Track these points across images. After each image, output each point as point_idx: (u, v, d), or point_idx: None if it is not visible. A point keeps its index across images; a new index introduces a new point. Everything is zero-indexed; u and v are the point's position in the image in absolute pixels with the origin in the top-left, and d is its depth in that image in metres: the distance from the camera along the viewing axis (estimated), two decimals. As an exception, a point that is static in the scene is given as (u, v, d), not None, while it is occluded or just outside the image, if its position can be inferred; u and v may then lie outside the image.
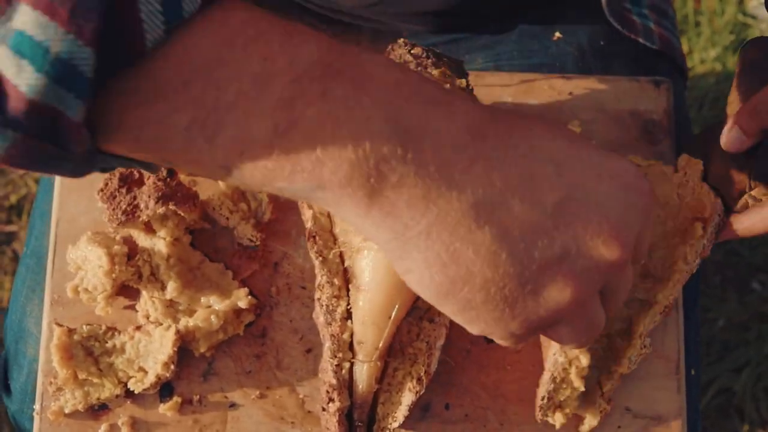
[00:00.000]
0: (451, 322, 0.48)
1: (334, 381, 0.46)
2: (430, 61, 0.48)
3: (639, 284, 0.50)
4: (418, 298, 0.48)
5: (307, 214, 0.48)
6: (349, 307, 0.47)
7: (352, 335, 0.47)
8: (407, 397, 0.46)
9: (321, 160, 0.28)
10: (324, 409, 0.46)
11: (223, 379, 0.51)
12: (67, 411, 0.49)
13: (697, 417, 0.59)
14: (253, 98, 0.27)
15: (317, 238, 0.47)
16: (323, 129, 0.28)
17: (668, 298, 0.49)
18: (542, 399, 0.48)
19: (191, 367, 0.51)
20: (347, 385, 0.46)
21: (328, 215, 0.48)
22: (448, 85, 0.47)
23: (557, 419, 0.48)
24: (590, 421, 0.49)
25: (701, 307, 1.08)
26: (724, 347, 1.07)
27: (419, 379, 0.46)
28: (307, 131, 0.27)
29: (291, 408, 0.50)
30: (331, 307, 0.46)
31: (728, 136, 0.48)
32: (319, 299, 0.47)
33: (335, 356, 0.46)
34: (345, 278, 0.47)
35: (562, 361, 0.47)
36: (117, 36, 0.25)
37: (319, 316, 0.47)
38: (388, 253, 0.30)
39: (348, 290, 0.47)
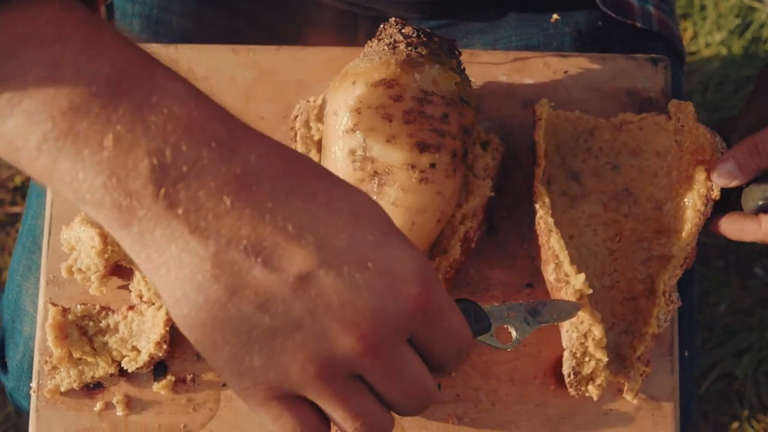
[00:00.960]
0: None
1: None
2: (420, 41, 0.47)
3: (654, 241, 0.49)
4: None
5: None
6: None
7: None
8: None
9: (79, 178, 0.28)
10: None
11: (216, 359, 0.51)
12: (62, 389, 0.49)
13: (691, 399, 0.58)
14: (32, 99, 0.27)
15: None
16: (87, 147, 0.28)
17: (685, 249, 0.48)
18: (569, 377, 0.47)
19: (185, 346, 0.51)
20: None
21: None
22: (438, 65, 0.46)
23: (591, 392, 0.47)
24: (631, 385, 0.48)
25: (703, 291, 1.07)
26: (726, 332, 1.06)
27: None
28: (73, 146, 0.27)
29: (283, 387, 0.50)
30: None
31: (722, 169, 0.46)
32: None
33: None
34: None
35: (576, 336, 0.46)
36: None
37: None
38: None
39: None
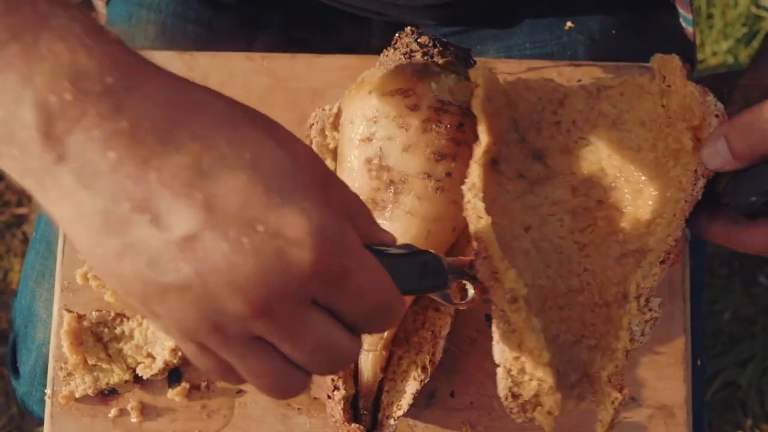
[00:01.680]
0: (457, 312, 0.48)
1: (339, 368, 0.45)
2: (436, 50, 0.47)
3: (631, 232, 0.40)
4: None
5: None
6: (355, 295, 0.47)
7: (357, 323, 0.46)
8: (412, 386, 0.46)
9: None
10: (329, 397, 0.46)
11: (230, 366, 0.51)
12: (77, 396, 0.49)
13: (703, 407, 0.59)
14: None
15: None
16: None
17: (665, 241, 0.38)
18: (506, 399, 0.38)
19: (199, 353, 0.51)
20: (352, 373, 0.46)
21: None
22: (453, 75, 0.46)
23: (540, 420, 0.38)
24: (603, 416, 0.38)
25: (707, 300, 1.07)
26: (730, 340, 1.06)
27: (424, 368, 0.46)
28: None
29: (297, 395, 0.50)
30: (337, 295, 0.46)
31: (711, 149, 0.38)
32: (325, 287, 0.47)
33: (341, 344, 0.46)
34: (351, 266, 0.47)
35: (509, 347, 0.37)
36: None
37: (326, 304, 0.47)
38: None
39: (354, 278, 0.47)
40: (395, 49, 0.49)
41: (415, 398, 0.46)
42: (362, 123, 0.46)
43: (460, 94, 0.46)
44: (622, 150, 0.41)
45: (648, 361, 0.51)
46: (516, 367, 0.37)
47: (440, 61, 0.47)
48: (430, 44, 0.48)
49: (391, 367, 0.47)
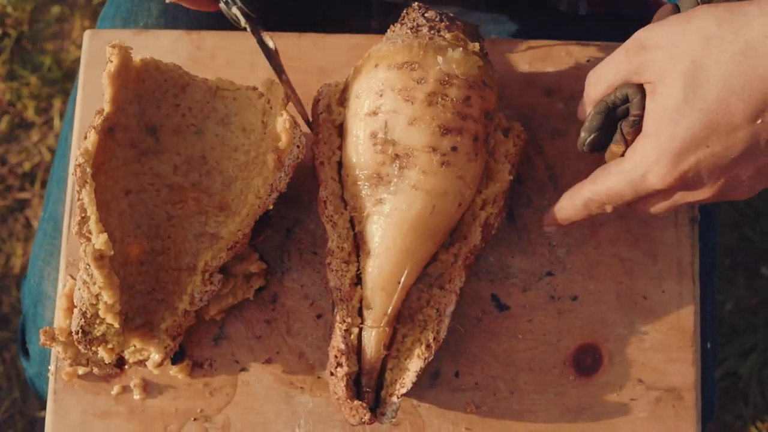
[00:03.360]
0: (462, 291, 0.45)
1: (342, 346, 0.43)
2: (443, 24, 0.45)
3: (213, 217, 0.46)
4: (428, 265, 0.45)
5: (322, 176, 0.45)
6: (359, 273, 0.44)
7: (361, 301, 0.44)
8: (415, 364, 0.43)
9: None
10: (332, 374, 0.43)
11: (233, 344, 0.48)
12: (80, 372, 0.47)
13: (713, 390, 0.56)
14: None
15: (328, 203, 0.45)
16: None
17: (236, 233, 0.44)
18: (77, 334, 0.43)
19: (203, 331, 0.48)
20: (356, 350, 0.44)
21: (339, 180, 0.46)
22: (460, 49, 0.44)
23: (102, 353, 0.44)
24: (154, 355, 0.45)
25: (710, 290, 1.04)
26: (732, 331, 1.03)
27: (428, 346, 0.43)
28: None
29: (300, 373, 0.48)
30: (340, 273, 0.44)
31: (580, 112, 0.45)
32: (329, 264, 0.44)
33: (344, 321, 0.43)
34: (355, 244, 0.45)
35: (87, 296, 0.43)
36: None
37: (329, 281, 0.44)
38: None
39: (358, 255, 0.44)
40: (402, 24, 0.46)
41: (418, 377, 0.44)
42: (368, 97, 0.44)
43: (467, 68, 0.43)
44: (223, 145, 0.46)
45: (656, 343, 0.48)
46: (91, 311, 0.43)
47: (447, 36, 0.44)
48: (437, 19, 0.45)
49: (395, 345, 0.44)
